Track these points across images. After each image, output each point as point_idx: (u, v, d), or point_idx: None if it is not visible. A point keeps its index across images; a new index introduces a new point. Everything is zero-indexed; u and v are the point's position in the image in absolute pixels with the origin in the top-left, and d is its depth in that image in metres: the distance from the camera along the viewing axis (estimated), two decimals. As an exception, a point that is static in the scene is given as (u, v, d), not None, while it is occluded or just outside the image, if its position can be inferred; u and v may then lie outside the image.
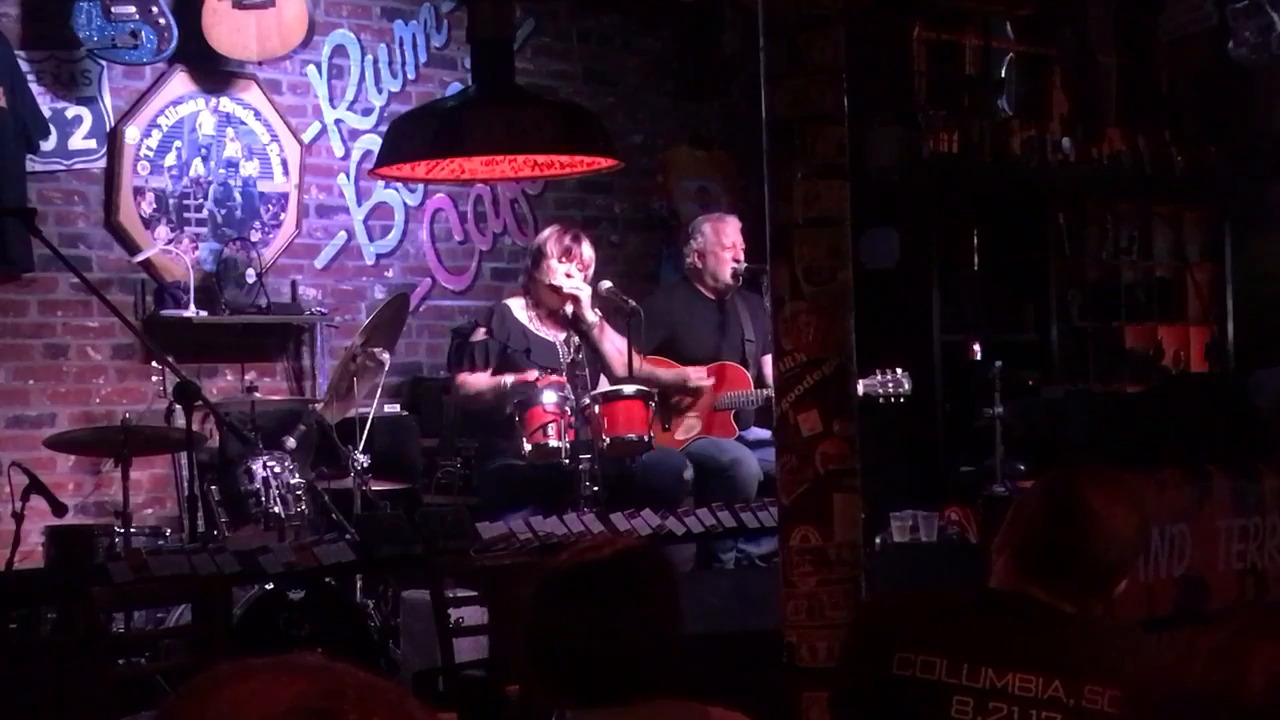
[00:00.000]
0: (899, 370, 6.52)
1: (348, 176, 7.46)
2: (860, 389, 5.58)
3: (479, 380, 6.26)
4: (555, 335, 6.31)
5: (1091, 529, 2.44)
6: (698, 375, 6.59)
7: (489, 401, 6.24)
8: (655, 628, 2.29)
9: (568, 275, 6.26)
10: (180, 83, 6.99)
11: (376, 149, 6.65)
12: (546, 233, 6.43)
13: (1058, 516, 2.46)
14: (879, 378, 6.45)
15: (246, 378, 6.88)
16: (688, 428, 6.61)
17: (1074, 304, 9.11)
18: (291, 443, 5.82)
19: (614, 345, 6.30)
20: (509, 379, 6.09)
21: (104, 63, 6.74)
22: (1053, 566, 2.44)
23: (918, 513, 5.82)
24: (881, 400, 6.44)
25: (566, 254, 6.28)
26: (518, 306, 6.36)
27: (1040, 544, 2.46)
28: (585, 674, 2.26)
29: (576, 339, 6.31)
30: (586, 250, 6.32)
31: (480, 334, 6.32)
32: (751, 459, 6.37)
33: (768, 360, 6.25)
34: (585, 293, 6.25)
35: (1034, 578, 2.44)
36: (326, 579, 5.48)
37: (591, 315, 6.26)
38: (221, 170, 7.08)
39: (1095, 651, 2.38)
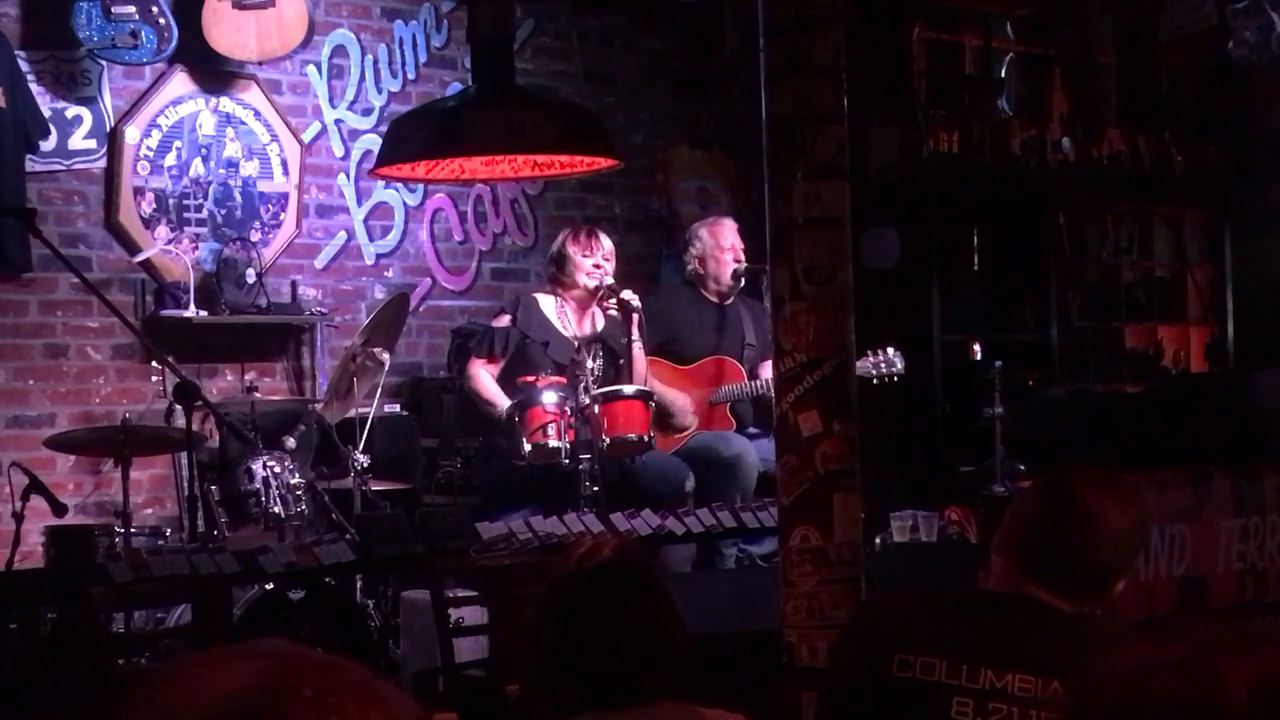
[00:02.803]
0: (889, 350, 6.50)
1: (348, 176, 7.46)
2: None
3: (487, 385, 6.25)
4: (577, 335, 6.32)
5: (1089, 529, 2.44)
6: (682, 408, 6.56)
7: (483, 409, 6.24)
8: (653, 631, 2.30)
9: (596, 266, 6.30)
10: (180, 83, 6.99)
11: (376, 149, 6.66)
12: (560, 238, 6.47)
13: (1055, 518, 2.46)
14: (870, 359, 6.43)
15: (246, 378, 6.88)
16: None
17: (1074, 304, 9.11)
18: (291, 443, 5.82)
19: (643, 359, 6.33)
20: (507, 404, 6.08)
21: (104, 63, 6.74)
22: (1051, 567, 2.44)
23: (918, 513, 5.82)
24: (875, 381, 6.42)
25: (588, 250, 6.32)
26: (546, 301, 6.38)
27: (1038, 545, 2.45)
28: (587, 680, 2.27)
29: (596, 340, 6.31)
30: (606, 242, 6.41)
31: (504, 321, 6.34)
32: (751, 450, 6.38)
33: (765, 366, 6.27)
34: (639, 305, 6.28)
35: (1033, 578, 2.44)
36: (326, 579, 5.48)
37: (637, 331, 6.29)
38: (221, 170, 7.08)
39: (1095, 652, 2.38)
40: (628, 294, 6.30)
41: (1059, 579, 2.44)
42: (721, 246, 6.74)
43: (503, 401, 6.13)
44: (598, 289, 6.33)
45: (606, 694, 2.26)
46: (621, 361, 6.37)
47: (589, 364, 6.20)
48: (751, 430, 6.64)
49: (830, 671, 2.57)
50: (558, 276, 6.39)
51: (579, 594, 2.30)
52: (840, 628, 2.67)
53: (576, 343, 6.27)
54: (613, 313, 6.41)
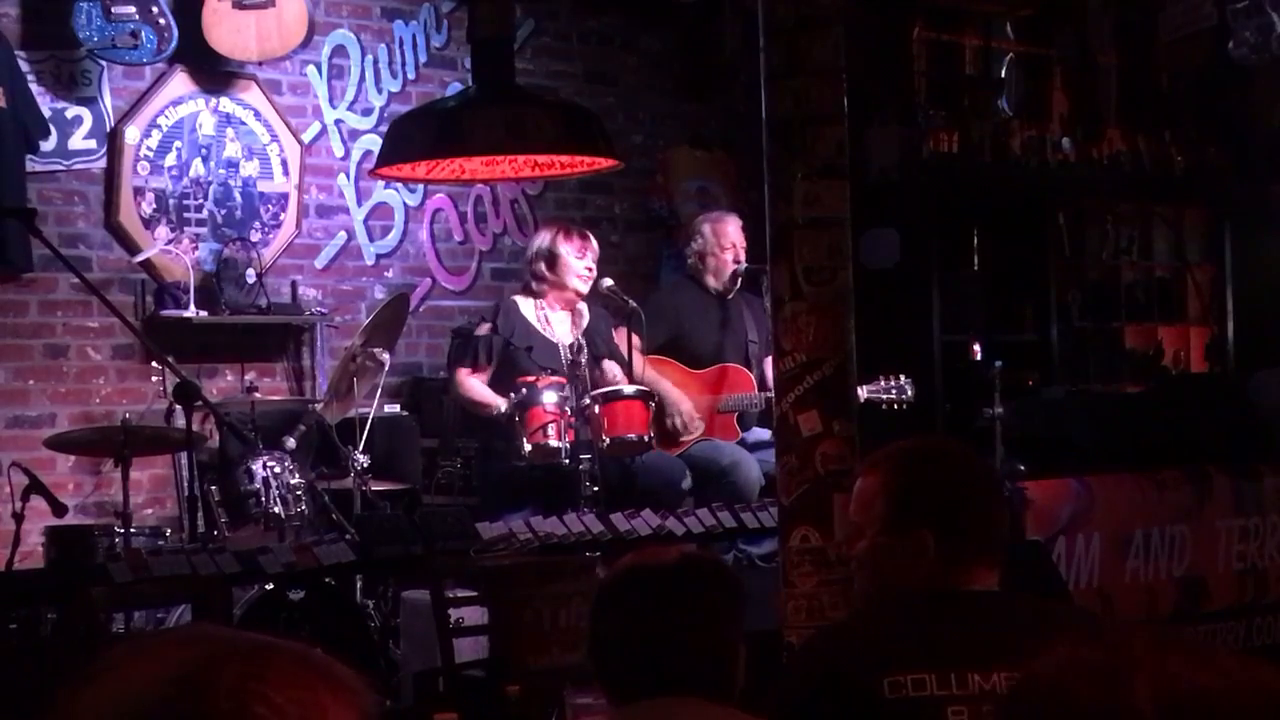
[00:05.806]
0: (902, 377, 6.53)
1: (348, 176, 7.46)
2: (863, 395, 5.56)
3: (477, 388, 6.24)
4: (559, 337, 6.32)
5: (998, 495, 2.54)
6: (689, 412, 6.51)
7: (480, 413, 6.24)
8: (706, 632, 2.37)
9: (588, 269, 6.29)
10: (180, 83, 6.99)
11: (376, 149, 6.66)
12: (549, 235, 6.36)
13: (987, 496, 2.51)
14: (882, 384, 6.46)
15: (246, 378, 6.88)
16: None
17: (1074, 304, 9.11)
18: (291, 443, 5.82)
19: (641, 363, 6.35)
20: (504, 403, 6.06)
21: (104, 63, 6.74)
22: (990, 544, 2.48)
23: (918, 513, 5.81)
24: (884, 406, 6.46)
25: (582, 252, 6.30)
26: (526, 304, 6.36)
27: (983, 527, 2.48)
28: (638, 667, 2.35)
29: (581, 342, 6.31)
30: (595, 245, 6.39)
31: (484, 329, 6.32)
32: (751, 462, 6.36)
33: (769, 363, 6.26)
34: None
35: (977, 564, 2.45)
36: (326, 579, 5.47)
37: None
38: (221, 170, 7.08)
39: (1066, 634, 2.38)
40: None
41: (995, 553, 2.48)
42: (722, 245, 6.74)
43: (497, 400, 6.12)
44: (587, 291, 6.34)
45: (657, 684, 2.33)
46: (606, 362, 6.37)
47: (582, 363, 6.22)
48: (756, 433, 6.61)
49: (806, 700, 2.42)
50: (544, 274, 6.32)
51: (642, 586, 2.39)
52: (813, 656, 2.58)
53: (563, 347, 6.26)
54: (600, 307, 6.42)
